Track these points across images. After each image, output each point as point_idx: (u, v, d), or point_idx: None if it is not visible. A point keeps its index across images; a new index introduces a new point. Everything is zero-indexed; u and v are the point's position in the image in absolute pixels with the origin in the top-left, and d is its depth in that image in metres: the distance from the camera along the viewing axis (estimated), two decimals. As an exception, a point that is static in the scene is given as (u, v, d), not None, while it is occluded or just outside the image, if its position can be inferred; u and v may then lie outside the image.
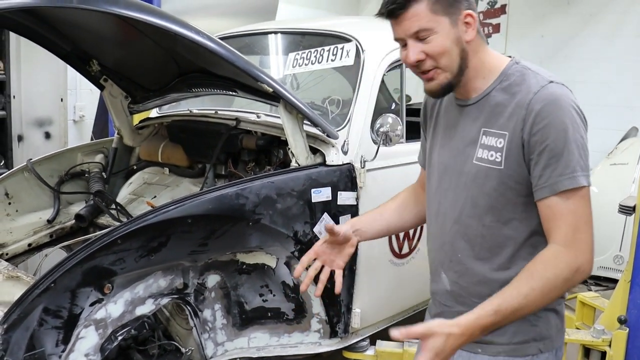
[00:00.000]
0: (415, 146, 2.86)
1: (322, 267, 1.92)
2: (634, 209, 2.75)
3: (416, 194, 2.03)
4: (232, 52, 2.17)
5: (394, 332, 1.54)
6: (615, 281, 5.06)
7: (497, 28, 6.86)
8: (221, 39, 3.32)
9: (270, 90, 2.25)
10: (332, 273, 2.48)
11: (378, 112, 2.71)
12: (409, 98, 5.01)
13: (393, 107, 2.90)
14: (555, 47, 6.67)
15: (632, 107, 6.14)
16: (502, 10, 6.87)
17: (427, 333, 1.51)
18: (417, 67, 1.64)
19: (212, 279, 2.35)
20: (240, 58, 2.20)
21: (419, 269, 3.00)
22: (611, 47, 6.35)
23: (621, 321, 2.64)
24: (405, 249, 2.86)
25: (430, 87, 1.67)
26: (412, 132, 3.09)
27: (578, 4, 6.47)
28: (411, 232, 2.87)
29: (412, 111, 4.60)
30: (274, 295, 2.46)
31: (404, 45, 1.65)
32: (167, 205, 2.07)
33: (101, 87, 3.03)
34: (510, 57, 1.73)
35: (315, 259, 1.90)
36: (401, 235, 2.82)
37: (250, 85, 2.49)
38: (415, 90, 6.41)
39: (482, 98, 1.69)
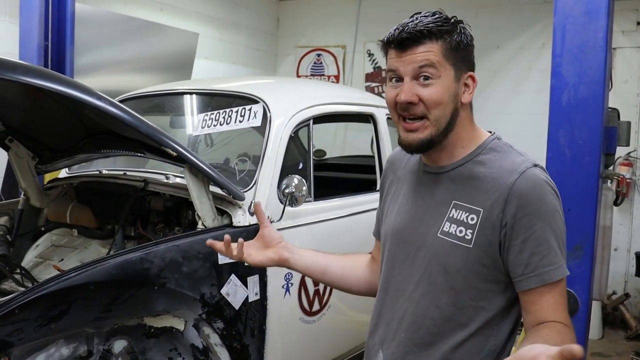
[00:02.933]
0: (324, 204, 2.98)
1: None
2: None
3: (371, 264, 1.88)
4: (135, 117, 2.19)
5: None
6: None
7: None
8: (131, 99, 3.35)
9: (174, 154, 2.28)
10: (240, 337, 2.50)
11: (288, 170, 2.78)
12: (323, 153, 5.15)
13: (300, 166, 2.96)
14: (464, 101, 6.97)
15: (538, 157, 6.40)
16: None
17: None
18: (405, 110, 1.52)
19: (119, 345, 2.29)
20: (144, 122, 2.22)
21: (331, 326, 3.05)
22: (515, 101, 6.71)
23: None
24: (316, 306, 2.89)
25: (409, 139, 1.54)
26: (323, 188, 3.17)
27: (485, 60, 6.82)
28: (321, 288, 2.91)
29: (325, 166, 4.72)
30: (183, 359, 2.43)
31: (396, 80, 1.54)
32: (69, 272, 2.04)
33: (6, 148, 2.97)
34: (490, 132, 1.66)
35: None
36: (311, 292, 2.86)
37: (157, 147, 2.51)
38: (332, 144, 6.60)
39: (456, 168, 1.59)
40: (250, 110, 2.85)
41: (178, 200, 2.73)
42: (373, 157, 4.78)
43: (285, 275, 2.69)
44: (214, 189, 2.54)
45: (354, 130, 6.73)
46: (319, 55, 7.52)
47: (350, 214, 3.04)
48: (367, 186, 3.56)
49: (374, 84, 7.24)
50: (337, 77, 7.41)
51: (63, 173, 3.36)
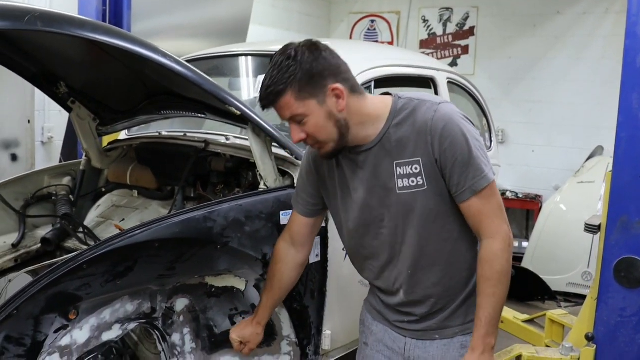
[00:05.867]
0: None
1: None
2: (599, 227, 2.80)
3: (287, 259, 2.22)
4: (199, 75, 2.18)
5: None
6: (583, 297, 5.15)
7: (465, 49, 6.97)
8: (190, 61, 3.34)
9: (238, 113, 2.25)
10: (300, 299, 2.49)
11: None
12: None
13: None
14: (523, 69, 6.80)
15: (597, 126, 6.28)
16: (471, 32, 6.99)
17: None
18: (306, 142, 1.88)
19: (181, 303, 2.32)
20: (208, 81, 2.20)
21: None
22: (576, 69, 6.50)
23: (589, 338, 2.67)
24: (375, 270, 2.86)
25: (321, 154, 1.93)
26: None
27: (544, 27, 6.61)
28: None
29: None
30: (243, 318, 2.44)
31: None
32: (134, 229, 2.04)
33: (69, 109, 3.00)
34: (389, 94, 1.96)
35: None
36: (371, 256, 2.83)
37: (219, 108, 2.50)
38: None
39: (382, 138, 1.90)
40: (310, 71, 2.79)
41: (238, 161, 2.72)
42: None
43: (346, 238, 2.65)
44: (275, 150, 2.52)
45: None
46: (372, 21, 7.42)
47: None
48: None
49: (429, 51, 7.11)
50: (391, 44, 7.30)
51: (122, 135, 3.39)
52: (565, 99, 6.56)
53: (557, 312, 3.45)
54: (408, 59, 3.49)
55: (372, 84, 2.92)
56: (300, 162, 2.54)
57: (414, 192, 1.87)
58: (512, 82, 6.82)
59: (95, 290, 1.98)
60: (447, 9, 7.02)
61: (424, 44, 7.16)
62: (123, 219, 2.94)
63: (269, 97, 1.81)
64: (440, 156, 1.82)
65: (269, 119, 2.77)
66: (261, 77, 2.96)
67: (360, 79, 2.83)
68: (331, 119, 1.84)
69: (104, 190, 3.22)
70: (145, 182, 3.01)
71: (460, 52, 6.96)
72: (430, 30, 7.13)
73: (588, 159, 6.04)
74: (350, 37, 7.51)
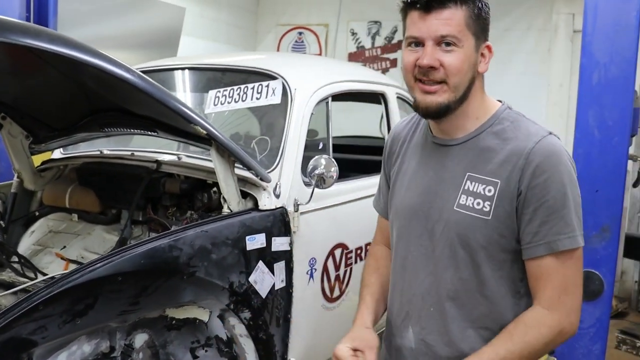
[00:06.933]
0: (344, 186, 2.83)
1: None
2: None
3: (389, 260, 1.82)
4: (162, 91, 1.99)
5: None
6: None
7: (394, 63, 7.00)
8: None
9: (204, 133, 2.10)
10: (266, 327, 2.36)
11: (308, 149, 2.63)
12: (315, 133, 4.99)
13: (321, 147, 2.81)
14: (449, 82, 6.88)
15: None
16: (399, 45, 7.01)
17: None
18: (425, 74, 1.50)
19: (140, 339, 2.14)
20: (171, 97, 2.03)
21: (349, 313, 2.92)
22: (499, 83, 6.61)
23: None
24: (337, 292, 2.76)
25: (427, 101, 1.53)
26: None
27: (469, 41, 6.74)
28: (341, 274, 2.78)
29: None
30: (206, 351, 2.28)
31: (415, 45, 1.53)
32: (94, 263, 1.85)
33: (-2, 126, 2.73)
34: (500, 101, 1.64)
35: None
36: (332, 277, 2.73)
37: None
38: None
39: (471, 139, 1.58)
40: (267, 86, 2.67)
41: (194, 182, 2.55)
42: (368, 138, 4.67)
43: (310, 261, 2.55)
44: (237, 171, 2.37)
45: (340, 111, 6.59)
46: (300, 33, 7.33)
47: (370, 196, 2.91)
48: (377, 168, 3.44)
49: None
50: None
51: (57, 153, 3.13)
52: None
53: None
54: (360, 74, 3.44)
55: (330, 99, 2.82)
56: (262, 183, 2.42)
57: (472, 217, 1.51)
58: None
59: (52, 333, 1.77)
60: (376, 22, 7.03)
61: (352, 57, 7.14)
62: (64, 247, 2.69)
63: None
64: (527, 191, 1.46)
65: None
66: (213, 91, 2.82)
67: (319, 95, 2.74)
68: (472, 70, 1.52)
69: (37, 214, 2.95)
70: (87, 204, 2.77)
71: (388, 65, 6.98)
72: (359, 43, 7.12)
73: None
74: (278, 49, 7.40)
